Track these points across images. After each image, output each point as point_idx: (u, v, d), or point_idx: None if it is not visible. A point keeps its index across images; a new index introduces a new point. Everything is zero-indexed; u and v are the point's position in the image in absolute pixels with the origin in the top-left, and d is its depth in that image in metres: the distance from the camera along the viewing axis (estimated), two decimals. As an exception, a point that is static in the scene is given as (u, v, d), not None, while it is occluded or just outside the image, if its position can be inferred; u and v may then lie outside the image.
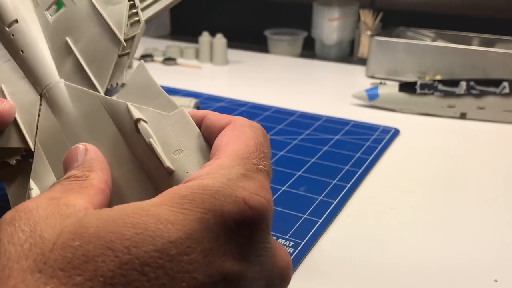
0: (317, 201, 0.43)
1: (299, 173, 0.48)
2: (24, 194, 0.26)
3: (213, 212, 0.17)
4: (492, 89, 0.64)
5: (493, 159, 0.53)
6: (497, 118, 0.64)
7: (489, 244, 0.38)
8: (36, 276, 0.15)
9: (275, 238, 0.21)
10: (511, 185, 0.47)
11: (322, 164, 0.50)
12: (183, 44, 0.97)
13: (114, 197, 0.24)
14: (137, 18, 0.27)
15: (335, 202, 0.43)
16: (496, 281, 0.34)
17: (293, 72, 0.87)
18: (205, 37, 0.90)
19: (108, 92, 0.27)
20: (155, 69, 0.86)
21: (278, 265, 0.21)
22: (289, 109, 0.66)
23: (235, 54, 0.95)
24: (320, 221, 0.40)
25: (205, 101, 0.68)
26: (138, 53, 0.93)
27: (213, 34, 0.90)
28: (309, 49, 1.03)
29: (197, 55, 0.92)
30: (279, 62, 0.93)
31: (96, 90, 0.26)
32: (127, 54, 0.27)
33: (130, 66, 0.28)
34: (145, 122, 0.24)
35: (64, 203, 0.19)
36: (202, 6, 1.18)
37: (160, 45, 0.99)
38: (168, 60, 0.89)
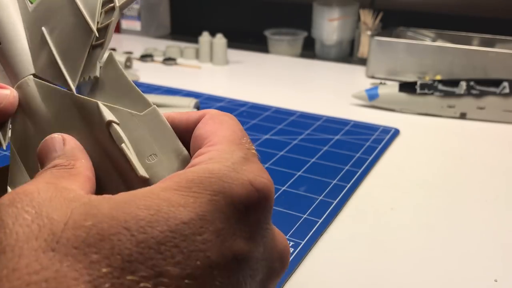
0: (317, 201, 0.43)
1: (299, 173, 0.48)
2: None
3: (223, 194, 0.18)
4: (492, 89, 0.64)
5: (493, 159, 0.53)
6: (497, 118, 0.64)
7: (489, 244, 0.38)
8: (50, 254, 0.15)
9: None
10: (511, 185, 0.47)
11: (322, 164, 0.50)
12: (183, 44, 0.97)
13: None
14: (111, 5, 0.25)
15: (335, 202, 0.43)
16: (496, 281, 0.34)
17: (293, 72, 0.87)
18: (205, 37, 0.90)
19: (81, 86, 0.25)
20: (155, 69, 0.86)
21: (278, 248, 0.21)
22: (289, 109, 0.66)
23: (235, 54, 0.95)
24: (320, 221, 0.40)
25: (205, 101, 0.68)
26: (138, 53, 0.93)
27: (213, 34, 0.90)
28: (309, 49, 1.03)
29: (197, 55, 0.92)
30: (279, 62, 0.93)
31: (68, 85, 0.24)
32: (101, 44, 0.25)
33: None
34: (117, 124, 0.23)
35: (63, 187, 0.19)
36: (202, 6, 1.18)
37: (160, 45, 0.99)
38: (168, 60, 0.89)
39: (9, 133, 0.25)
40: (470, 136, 0.60)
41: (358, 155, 0.52)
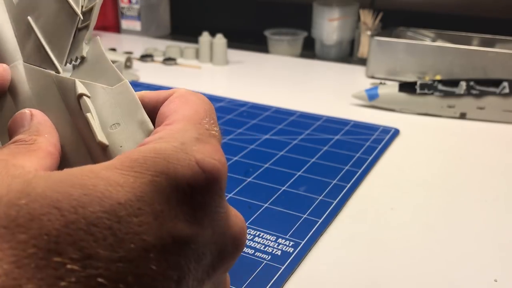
0: (317, 201, 0.43)
1: (299, 173, 0.48)
2: None
3: (166, 174, 0.17)
4: (492, 89, 0.64)
5: (493, 159, 0.53)
6: (497, 118, 0.64)
7: (489, 244, 0.38)
8: None
9: (230, 204, 0.21)
10: (511, 185, 0.47)
11: (322, 164, 0.50)
12: (183, 44, 0.97)
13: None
14: None
15: (335, 202, 0.43)
16: (496, 281, 0.34)
17: (293, 72, 0.87)
18: (205, 37, 0.90)
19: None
20: (155, 69, 0.86)
21: (232, 230, 0.20)
22: (289, 109, 0.66)
23: (235, 54, 0.95)
24: (320, 221, 0.40)
25: (205, 101, 0.68)
26: (138, 53, 0.93)
27: (213, 34, 0.90)
28: (309, 49, 1.03)
29: (197, 55, 0.92)
30: (279, 62, 0.93)
31: (55, 67, 0.25)
32: (86, 27, 0.26)
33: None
34: (88, 97, 0.24)
35: (13, 164, 0.18)
36: (202, 6, 1.18)
37: (160, 45, 0.99)
38: (168, 60, 0.89)
39: None
40: (470, 136, 0.60)
41: (358, 155, 0.52)
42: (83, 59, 0.26)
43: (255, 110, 0.65)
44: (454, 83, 0.65)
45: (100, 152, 0.23)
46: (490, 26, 0.90)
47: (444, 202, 0.44)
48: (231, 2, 1.15)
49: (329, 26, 0.96)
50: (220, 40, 0.88)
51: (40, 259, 0.15)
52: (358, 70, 0.88)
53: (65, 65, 0.26)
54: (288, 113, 0.64)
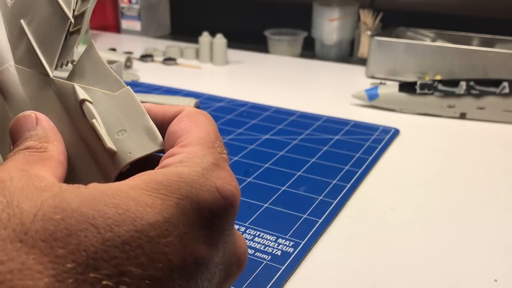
0: (317, 201, 0.43)
1: (299, 173, 0.48)
2: None
3: (190, 199, 0.18)
4: (492, 89, 0.64)
5: (493, 159, 0.53)
6: (497, 118, 0.64)
7: (489, 244, 0.38)
8: (17, 245, 0.15)
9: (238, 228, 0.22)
10: (511, 185, 0.47)
11: (322, 164, 0.50)
12: (183, 44, 0.97)
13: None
14: None
15: (335, 202, 0.43)
16: (496, 281, 0.34)
17: (293, 72, 0.87)
18: (205, 37, 0.90)
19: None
20: (155, 69, 0.86)
21: (237, 252, 0.22)
22: (289, 109, 0.66)
23: (235, 54, 0.95)
24: (320, 221, 0.40)
25: (205, 101, 0.68)
26: (138, 53, 0.93)
27: (213, 34, 0.90)
28: (309, 49, 1.03)
29: (197, 55, 0.92)
30: (279, 62, 0.93)
31: (45, 70, 0.25)
32: (78, 31, 0.26)
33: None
34: (90, 102, 0.24)
35: (35, 175, 0.19)
36: (202, 6, 1.18)
37: (160, 45, 0.99)
38: (168, 60, 0.89)
39: None
40: (470, 136, 0.60)
41: (358, 155, 0.52)
42: (73, 63, 0.26)
43: (255, 110, 0.65)
44: (454, 83, 0.65)
45: (107, 158, 0.23)
46: (490, 26, 0.90)
47: (444, 202, 0.44)
48: (231, 2, 1.15)
49: (329, 26, 0.96)
50: (220, 40, 0.88)
51: (78, 274, 0.15)
52: (358, 70, 0.88)
53: (56, 69, 0.26)
54: (288, 113, 0.64)
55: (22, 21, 0.27)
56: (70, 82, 0.25)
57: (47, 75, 0.25)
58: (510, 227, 0.40)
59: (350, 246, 0.37)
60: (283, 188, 0.45)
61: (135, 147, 0.23)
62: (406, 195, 0.45)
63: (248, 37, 1.08)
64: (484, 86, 0.65)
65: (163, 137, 0.23)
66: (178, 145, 0.22)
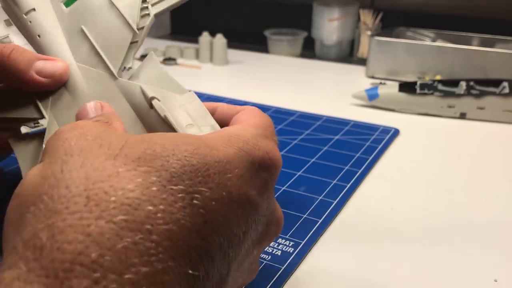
0: (317, 201, 0.43)
1: (299, 173, 0.48)
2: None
3: (245, 151, 0.22)
4: (492, 89, 0.64)
5: (493, 159, 0.53)
6: (497, 118, 0.64)
7: (489, 244, 0.38)
8: (111, 161, 0.19)
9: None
10: (511, 185, 0.47)
11: (322, 164, 0.50)
12: (183, 44, 0.97)
13: None
14: (147, 12, 0.32)
15: (335, 202, 0.43)
16: (496, 281, 0.34)
17: (293, 72, 0.87)
18: (205, 37, 0.90)
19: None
20: (155, 69, 0.86)
21: (276, 213, 0.26)
22: (289, 109, 0.66)
23: (235, 54, 0.95)
24: (320, 221, 0.40)
25: (205, 101, 0.68)
26: (138, 53, 0.93)
27: (213, 34, 0.90)
28: (309, 49, 1.03)
29: (197, 55, 0.92)
30: (279, 62, 0.93)
31: (110, 71, 0.29)
32: (136, 42, 0.31)
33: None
34: (158, 100, 0.27)
35: (114, 127, 0.23)
36: (202, 6, 1.18)
37: (160, 45, 0.99)
38: (168, 60, 0.89)
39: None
40: (470, 136, 0.60)
41: (358, 155, 0.52)
42: (129, 69, 0.30)
43: (255, 110, 0.65)
44: (454, 83, 0.65)
45: None
46: (490, 26, 0.90)
47: (444, 202, 0.44)
48: (231, 2, 1.15)
49: (329, 26, 0.96)
50: (220, 40, 0.88)
51: (161, 185, 0.19)
52: (358, 70, 0.88)
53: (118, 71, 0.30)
54: (288, 113, 0.64)
55: (83, 27, 0.31)
56: (136, 83, 0.28)
57: (113, 75, 0.29)
58: (510, 227, 0.40)
59: (350, 246, 0.37)
60: (283, 188, 0.45)
61: None
62: (406, 195, 0.45)
63: (248, 37, 1.08)
64: (484, 86, 0.65)
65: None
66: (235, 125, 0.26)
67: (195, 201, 0.19)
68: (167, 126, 0.26)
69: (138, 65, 0.30)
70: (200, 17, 1.20)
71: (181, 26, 1.21)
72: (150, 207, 0.18)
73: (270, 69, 0.89)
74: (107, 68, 0.29)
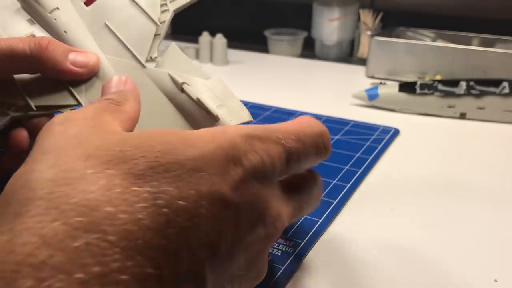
0: (317, 201, 0.43)
1: (299, 173, 0.48)
2: None
3: (224, 149, 0.22)
4: (492, 89, 0.64)
5: (493, 159, 0.53)
6: (497, 118, 0.64)
7: (489, 244, 0.38)
8: (81, 162, 0.20)
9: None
10: (511, 185, 0.47)
11: (322, 164, 0.50)
12: (183, 44, 0.97)
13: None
14: (166, 8, 0.35)
15: (335, 202, 0.43)
16: (496, 281, 0.34)
17: (293, 72, 0.87)
18: (205, 37, 0.90)
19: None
20: (155, 69, 0.86)
21: (278, 224, 0.26)
22: (289, 109, 0.66)
23: (235, 54, 0.95)
24: (320, 221, 0.40)
25: (205, 101, 0.68)
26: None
27: (213, 34, 0.90)
28: (309, 49, 1.03)
29: (197, 55, 0.92)
30: (279, 62, 0.93)
31: (138, 61, 0.32)
32: (159, 35, 0.34)
33: None
34: (188, 85, 0.29)
35: (105, 120, 0.24)
36: (202, 6, 1.18)
37: (160, 45, 0.99)
38: (168, 60, 0.89)
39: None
40: (470, 136, 0.60)
41: (358, 155, 0.52)
42: (155, 58, 0.33)
43: (255, 110, 0.65)
44: (454, 83, 0.65)
45: (210, 125, 0.28)
46: (490, 26, 0.90)
47: (444, 202, 0.44)
48: (231, 2, 1.15)
49: (329, 26, 0.96)
50: (220, 40, 0.88)
51: (123, 187, 0.19)
52: (358, 70, 0.88)
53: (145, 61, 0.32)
54: (288, 113, 0.64)
55: (106, 22, 0.33)
56: (164, 71, 0.31)
57: (142, 64, 0.32)
58: (510, 227, 0.40)
59: (350, 246, 0.37)
60: (283, 188, 0.45)
61: (235, 116, 0.29)
62: (406, 195, 0.45)
63: (248, 37, 1.08)
64: (484, 86, 0.65)
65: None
66: None
67: (158, 201, 0.19)
68: (200, 107, 0.28)
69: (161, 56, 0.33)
70: (200, 17, 1.20)
71: (181, 26, 1.21)
72: (109, 208, 0.18)
73: (270, 69, 0.89)
74: (134, 58, 0.32)
